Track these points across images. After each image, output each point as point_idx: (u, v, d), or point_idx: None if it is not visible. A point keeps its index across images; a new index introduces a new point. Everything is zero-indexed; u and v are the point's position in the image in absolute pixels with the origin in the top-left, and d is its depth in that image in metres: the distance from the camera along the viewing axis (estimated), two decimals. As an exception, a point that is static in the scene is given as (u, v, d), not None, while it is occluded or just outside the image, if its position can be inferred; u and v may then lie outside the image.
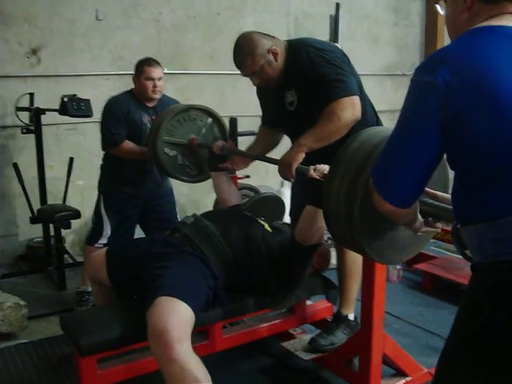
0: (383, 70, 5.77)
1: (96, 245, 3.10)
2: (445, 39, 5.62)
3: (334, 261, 2.60)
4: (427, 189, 1.42)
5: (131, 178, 3.13)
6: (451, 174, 1.27)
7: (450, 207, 1.34)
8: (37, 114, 3.63)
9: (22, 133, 3.76)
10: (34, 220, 3.70)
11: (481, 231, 1.13)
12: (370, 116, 2.45)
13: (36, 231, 3.94)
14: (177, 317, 1.84)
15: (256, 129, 2.80)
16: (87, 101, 3.44)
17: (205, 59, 4.68)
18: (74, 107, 3.40)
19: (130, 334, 2.01)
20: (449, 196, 1.41)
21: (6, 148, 4.01)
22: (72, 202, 3.87)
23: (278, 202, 3.94)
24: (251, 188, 4.22)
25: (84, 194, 4.06)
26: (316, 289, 2.52)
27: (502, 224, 1.09)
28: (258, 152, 2.64)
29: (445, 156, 1.19)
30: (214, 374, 1.81)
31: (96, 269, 2.33)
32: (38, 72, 4.02)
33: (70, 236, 4.23)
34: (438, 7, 1.36)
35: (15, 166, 3.75)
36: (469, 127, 1.08)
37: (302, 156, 2.25)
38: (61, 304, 3.28)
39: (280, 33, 4.96)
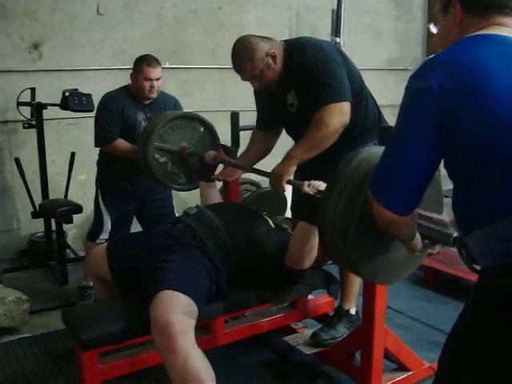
0: (385, 65, 5.74)
1: (97, 241, 3.09)
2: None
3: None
4: (422, 212, 1.43)
5: (127, 174, 3.11)
6: (446, 192, 1.27)
7: (446, 230, 1.37)
8: (38, 108, 3.62)
9: (24, 128, 3.76)
10: (35, 215, 3.71)
11: (488, 233, 1.12)
12: (371, 111, 2.44)
13: (38, 226, 3.95)
14: (180, 310, 1.85)
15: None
16: (89, 95, 3.42)
17: (206, 53, 4.66)
18: (75, 102, 3.38)
19: (131, 328, 2.01)
20: (444, 218, 1.43)
21: (8, 143, 4.00)
22: (74, 196, 3.87)
23: (279, 196, 3.93)
24: (253, 183, 4.21)
25: (85, 189, 4.04)
26: (317, 283, 2.52)
27: (510, 222, 1.09)
28: (252, 159, 2.64)
29: (438, 173, 1.19)
30: (216, 368, 1.81)
31: (97, 264, 2.33)
32: (39, 67, 4.01)
33: (72, 231, 4.24)
34: (431, 27, 1.41)
35: (17, 160, 3.74)
36: (463, 129, 1.09)
37: (293, 169, 2.26)
38: (63, 298, 3.29)
39: (282, 27, 5.01)
